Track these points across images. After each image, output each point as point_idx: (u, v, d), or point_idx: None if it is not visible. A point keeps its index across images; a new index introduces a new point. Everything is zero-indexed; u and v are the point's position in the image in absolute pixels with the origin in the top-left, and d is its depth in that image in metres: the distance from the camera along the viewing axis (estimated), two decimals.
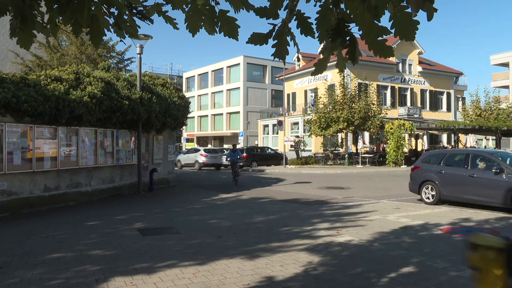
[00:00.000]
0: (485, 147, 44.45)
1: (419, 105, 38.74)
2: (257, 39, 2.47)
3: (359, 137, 30.36)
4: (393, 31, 2.16)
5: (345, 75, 30.95)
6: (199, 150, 31.00)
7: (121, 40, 2.77)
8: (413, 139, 35.34)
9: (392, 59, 36.17)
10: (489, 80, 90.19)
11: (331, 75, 33.63)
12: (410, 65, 38.76)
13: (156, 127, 14.94)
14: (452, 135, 34.17)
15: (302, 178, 21.01)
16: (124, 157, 14.15)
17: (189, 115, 18.13)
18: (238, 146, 39.24)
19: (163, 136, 16.48)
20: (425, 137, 36.19)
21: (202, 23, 2.52)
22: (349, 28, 2.34)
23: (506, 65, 58.27)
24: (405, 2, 2.09)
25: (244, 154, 30.79)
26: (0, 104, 9.35)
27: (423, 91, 39.62)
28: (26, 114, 10.04)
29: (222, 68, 54.60)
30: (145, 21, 2.77)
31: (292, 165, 30.16)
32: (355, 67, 32.35)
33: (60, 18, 2.56)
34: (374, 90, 30.33)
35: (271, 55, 2.52)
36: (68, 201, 11.74)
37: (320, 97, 30.66)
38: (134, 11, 2.72)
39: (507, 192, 9.30)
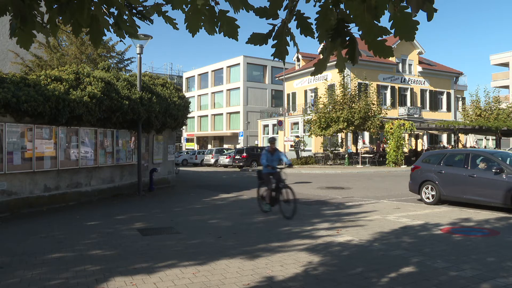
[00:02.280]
0: (485, 147, 44.46)
1: (419, 105, 38.74)
2: (257, 39, 2.47)
3: (359, 137, 30.37)
4: (393, 31, 2.16)
5: (345, 75, 30.95)
6: None
7: (121, 40, 2.77)
8: (413, 139, 35.35)
9: (392, 59, 36.17)
10: (489, 80, 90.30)
11: (331, 75, 33.63)
12: (410, 65, 38.75)
13: (156, 127, 14.95)
14: (452, 135, 34.17)
15: (302, 178, 21.00)
16: (124, 157, 14.14)
17: (189, 115, 18.13)
18: (238, 146, 39.08)
19: (163, 136, 16.48)
20: (425, 137, 36.19)
21: (202, 23, 2.52)
22: (349, 28, 2.33)
23: (506, 65, 58.24)
24: (405, 2, 2.09)
25: (244, 154, 30.76)
26: (0, 104, 9.36)
27: (423, 91, 39.62)
28: (26, 114, 10.04)
29: (222, 68, 54.60)
30: (145, 21, 2.76)
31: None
32: (355, 67, 32.36)
33: (60, 18, 2.56)
34: (374, 90, 30.33)
35: (271, 55, 2.52)
36: (68, 201, 11.74)
37: (320, 97, 30.66)
38: (134, 11, 2.72)
39: (507, 192, 9.29)
